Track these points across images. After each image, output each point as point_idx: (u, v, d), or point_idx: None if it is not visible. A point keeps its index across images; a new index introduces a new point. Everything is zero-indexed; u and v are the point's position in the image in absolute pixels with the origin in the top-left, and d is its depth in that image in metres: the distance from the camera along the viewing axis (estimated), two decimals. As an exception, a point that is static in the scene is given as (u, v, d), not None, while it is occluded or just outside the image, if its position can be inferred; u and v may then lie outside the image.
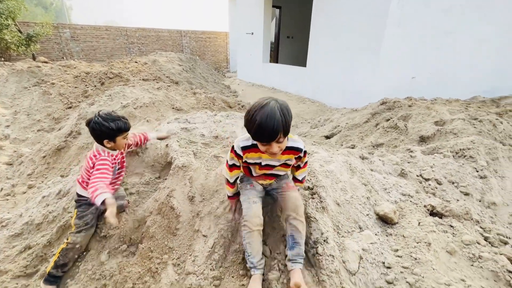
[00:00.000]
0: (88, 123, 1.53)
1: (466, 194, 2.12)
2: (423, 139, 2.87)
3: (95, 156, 1.56)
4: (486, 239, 1.68)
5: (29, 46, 9.93)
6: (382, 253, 1.40)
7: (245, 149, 1.23)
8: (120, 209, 1.68)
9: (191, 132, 2.16)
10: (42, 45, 11.46)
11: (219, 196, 1.62)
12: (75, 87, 4.36)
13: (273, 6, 9.39)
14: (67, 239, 1.56)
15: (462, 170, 2.29)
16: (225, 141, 2.05)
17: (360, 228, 1.53)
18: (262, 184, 1.42)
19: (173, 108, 3.51)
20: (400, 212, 1.70)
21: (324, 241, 1.33)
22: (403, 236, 1.49)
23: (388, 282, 1.29)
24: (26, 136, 3.61)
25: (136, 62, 5.99)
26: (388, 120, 3.31)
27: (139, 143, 1.93)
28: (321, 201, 1.55)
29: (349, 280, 1.26)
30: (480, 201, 2.11)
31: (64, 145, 3.10)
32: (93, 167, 1.53)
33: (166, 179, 1.75)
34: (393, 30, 4.54)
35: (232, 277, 1.34)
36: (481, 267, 1.38)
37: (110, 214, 1.25)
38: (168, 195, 1.63)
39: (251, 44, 9.50)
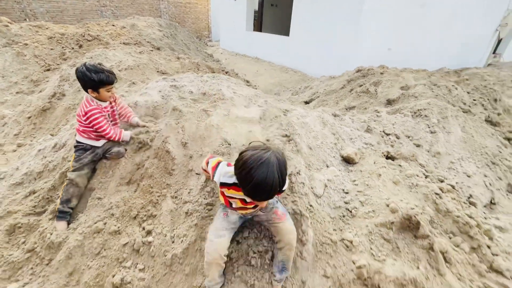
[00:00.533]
0: (76, 71, 1.68)
1: (418, 145, 2.52)
2: (389, 102, 3.23)
3: (85, 105, 1.72)
4: (426, 177, 2.10)
5: (-15, 4, 8.91)
6: (342, 183, 1.75)
7: (226, 185, 1.15)
8: (120, 156, 1.87)
9: (180, 89, 2.31)
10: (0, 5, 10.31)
11: (208, 142, 1.86)
12: (51, 49, 4.18)
13: (257, -30, 8.99)
14: (67, 178, 1.77)
15: (417, 126, 2.68)
16: (212, 97, 2.24)
17: (327, 166, 1.86)
18: (241, 213, 1.31)
19: (157, 71, 3.55)
20: (361, 156, 2.05)
21: (297, 173, 1.64)
22: (361, 171, 1.84)
23: (346, 202, 1.65)
24: (5, 99, 3.53)
25: (113, 25, 5.70)
26: (361, 86, 3.62)
27: (122, 113, 1.97)
28: (296, 145, 1.84)
29: (315, 201, 1.60)
30: (428, 151, 2.53)
31: (49, 106, 3.12)
32: (84, 115, 1.71)
33: (160, 128, 1.94)
34: (371, 2, 4.69)
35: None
36: (417, 192, 1.78)
37: (149, 125, 1.95)
38: (163, 141, 1.84)
39: (234, 11, 9.20)
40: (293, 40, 6.86)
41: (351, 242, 1.45)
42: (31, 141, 2.81)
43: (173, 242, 1.52)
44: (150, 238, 1.55)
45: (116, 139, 1.83)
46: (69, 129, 2.52)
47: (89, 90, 1.70)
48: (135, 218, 1.65)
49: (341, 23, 5.34)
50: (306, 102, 4.01)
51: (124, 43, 4.64)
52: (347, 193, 1.70)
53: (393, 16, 5.05)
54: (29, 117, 3.08)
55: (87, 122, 1.73)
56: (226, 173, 1.15)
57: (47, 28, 4.75)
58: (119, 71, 3.28)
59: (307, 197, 1.56)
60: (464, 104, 3.26)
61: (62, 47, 4.24)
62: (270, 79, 6.11)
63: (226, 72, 4.36)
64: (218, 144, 1.81)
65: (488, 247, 1.56)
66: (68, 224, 1.72)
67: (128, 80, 3.16)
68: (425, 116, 2.79)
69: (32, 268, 1.57)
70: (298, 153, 1.81)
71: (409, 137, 2.61)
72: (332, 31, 5.62)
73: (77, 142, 1.84)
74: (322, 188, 1.66)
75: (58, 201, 1.75)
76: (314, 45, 6.23)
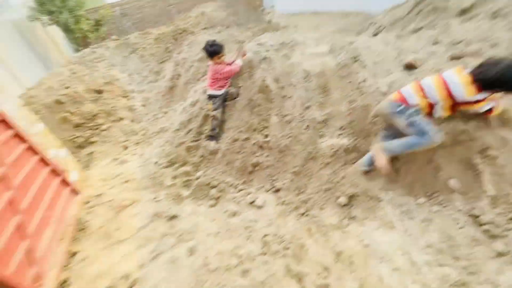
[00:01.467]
0: (205, 46, 2.73)
1: (494, 44, 2.57)
2: (463, 12, 3.15)
3: (215, 68, 2.72)
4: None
5: (98, 30, 11.73)
6: (404, 83, 2.20)
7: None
8: (235, 95, 2.82)
9: (263, 45, 3.08)
10: (106, 28, 13.22)
11: (294, 75, 2.58)
12: (158, 47, 5.64)
13: None
14: (210, 115, 2.85)
15: (494, 27, 2.67)
16: (288, 44, 2.93)
17: (391, 73, 2.33)
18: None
19: (239, 42, 4.43)
20: (422, 62, 2.38)
21: (363, 81, 2.20)
22: (420, 72, 2.23)
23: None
24: (143, 88, 5.14)
25: (190, 17, 6.90)
26: (429, 4, 3.56)
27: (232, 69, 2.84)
28: (362, 63, 2.37)
29: (381, 95, 2.14)
30: (506, 49, 2.55)
31: (172, 84, 4.45)
32: (217, 73, 2.69)
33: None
34: None
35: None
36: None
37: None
38: (263, 80, 2.68)
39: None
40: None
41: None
42: (171, 108, 4.19)
43: (281, 137, 2.38)
44: (267, 139, 2.46)
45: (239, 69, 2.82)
46: (193, 94, 3.69)
47: (216, 57, 2.70)
48: (254, 130, 2.59)
49: None
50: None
51: (204, 29, 5.72)
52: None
53: None
54: (163, 95, 4.50)
55: (226, 75, 2.73)
56: None
57: (150, 33, 6.28)
58: (211, 48, 4.30)
59: (373, 94, 2.13)
60: None
61: (165, 43, 5.64)
62: (331, 28, 6.23)
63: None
64: (301, 75, 2.52)
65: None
66: (216, 142, 2.83)
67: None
68: (505, 15, 2.71)
69: (205, 165, 2.75)
70: (364, 68, 2.34)
71: (484, 40, 2.65)
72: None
73: (209, 95, 2.89)
74: (386, 87, 2.17)
75: (208, 131, 2.86)
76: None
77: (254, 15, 9.65)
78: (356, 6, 6.75)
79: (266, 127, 2.54)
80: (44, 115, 4.51)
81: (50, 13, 9.83)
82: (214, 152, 2.72)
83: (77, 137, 4.30)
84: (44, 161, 2.50)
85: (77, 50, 10.56)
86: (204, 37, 4.76)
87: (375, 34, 4.11)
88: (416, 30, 3.43)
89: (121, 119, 4.55)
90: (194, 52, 4.47)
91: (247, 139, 2.56)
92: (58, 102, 4.59)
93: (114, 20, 14.20)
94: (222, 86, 2.79)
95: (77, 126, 4.43)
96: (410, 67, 2.34)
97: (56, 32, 11.62)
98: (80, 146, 4.21)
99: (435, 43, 2.76)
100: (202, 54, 4.33)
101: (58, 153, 2.91)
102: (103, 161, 3.78)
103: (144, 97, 4.93)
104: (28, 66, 8.51)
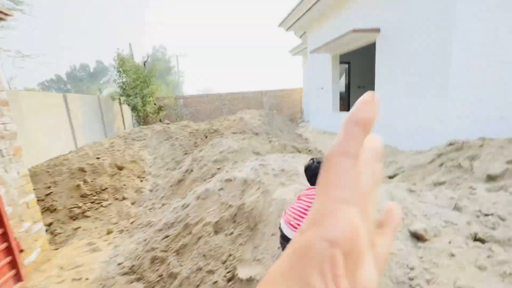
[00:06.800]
0: (308, 167, 1.66)
1: (534, 231, 2.08)
2: (490, 178, 2.83)
3: (313, 195, 1.55)
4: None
5: (159, 113, 14.05)
6: (407, 258, 1.75)
7: None
8: None
9: (265, 167, 3.06)
10: (165, 112, 15.86)
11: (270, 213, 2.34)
12: (189, 140, 6.23)
13: (342, 63, 10.44)
14: None
15: (532, 207, 2.24)
16: (288, 173, 2.84)
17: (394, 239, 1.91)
18: None
19: (253, 152, 4.61)
20: (436, 234, 1.96)
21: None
22: (430, 248, 1.78)
23: (410, 278, 1.64)
24: (160, 173, 5.38)
25: (228, 120, 7.86)
26: (453, 160, 3.36)
27: None
28: (358, 216, 2.05)
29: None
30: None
31: (183, 178, 4.54)
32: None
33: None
34: (459, 73, 4.61)
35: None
36: (511, 282, 1.52)
37: None
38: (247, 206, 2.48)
39: (322, 96, 10.54)
40: (378, 116, 7.03)
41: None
42: (170, 202, 4.11)
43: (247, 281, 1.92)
44: (230, 280, 2.02)
45: None
46: (190, 195, 3.62)
47: None
48: (223, 262, 2.20)
49: (427, 96, 5.29)
50: (390, 177, 3.95)
51: (233, 133, 6.31)
52: (412, 269, 1.68)
53: (487, 86, 4.61)
54: (171, 186, 4.55)
55: None
56: None
57: (189, 127, 7.15)
58: (228, 153, 4.51)
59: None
60: None
61: (195, 138, 6.24)
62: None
63: (309, 151, 5.00)
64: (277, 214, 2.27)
65: None
66: None
67: (232, 160, 4.28)
68: (544, 194, 2.31)
69: (162, 285, 2.30)
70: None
71: (520, 220, 2.20)
72: (418, 104, 5.57)
73: (286, 238, 1.59)
74: (381, 259, 1.73)
75: None
76: (399, 118, 6.20)
77: (289, 127, 10.62)
78: (384, 138, 6.90)
79: (233, 265, 2.14)
80: (63, 178, 4.84)
81: (127, 96, 12.41)
82: (173, 276, 2.31)
83: (77, 207, 4.34)
84: (5, 236, 2.39)
85: (138, 126, 12.44)
86: (228, 141, 5.13)
87: (393, 176, 3.89)
88: (436, 184, 3.12)
89: (124, 198, 4.58)
90: (212, 153, 4.73)
91: (210, 272, 2.15)
92: (81, 170, 4.95)
93: (175, 107, 17.11)
94: None
95: (84, 196, 4.55)
96: (417, 237, 1.93)
97: (127, 110, 14.23)
98: (73, 218, 4.17)
99: (457, 208, 2.37)
100: (218, 156, 4.53)
101: (31, 228, 2.83)
102: (80, 242, 3.56)
103: (155, 182, 5.07)
104: (90, 132, 10.07)
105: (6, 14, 2.55)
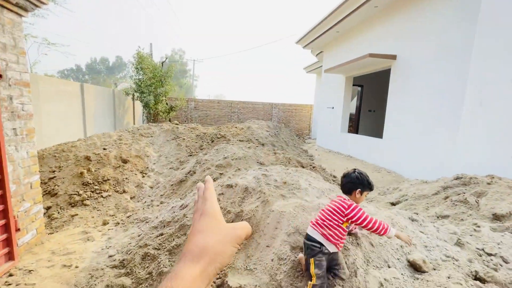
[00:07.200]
0: (347, 174, 1.66)
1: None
2: (496, 217, 2.76)
3: (344, 201, 1.57)
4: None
5: (169, 113, 14.26)
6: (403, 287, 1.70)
7: None
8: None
9: (268, 177, 3.05)
10: (176, 113, 16.11)
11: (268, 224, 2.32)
12: (196, 142, 6.28)
13: (355, 85, 10.52)
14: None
15: (538, 253, 2.17)
16: (290, 186, 2.82)
17: (388, 266, 1.87)
18: None
19: (257, 162, 4.61)
20: (435, 267, 1.90)
21: (352, 263, 1.79)
22: (427, 280, 1.73)
23: (404, 310, 1.58)
24: (163, 171, 5.40)
25: (236, 127, 7.92)
26: (459, 194, 3.29)
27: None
28: (356, 239, 2.01)
29: (368, 297, 1.64)
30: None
31: (184, 179, 4.55)
32: (348, 208, 1.53)
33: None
34: (473, 108, 4.59)
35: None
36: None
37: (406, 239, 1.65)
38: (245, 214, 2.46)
39: (331, 116, 10.56)
40: (386, 142, 7.00)
41: None
42: (169, 200, 4.11)
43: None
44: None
45: (382, 232, 1.57)
46: (192, 196, 3.62)
47: (357, 191, 1.60)
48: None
49: (438, 128, 5.26)
50: (393, 204, 3.88)
51: (239, 140, 6.34)
52: (407, 300, 1.62)
53: (501, 123, 4.57)
54: (172, 185, 4.56)
55: (351, 215, 1.52)
56: None
57: (197, 129, 7.23)
58: (232, 160, 4.52)
59: (358, 289, 1.65)
60: None
61: (202, 141, 6.29)
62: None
63: (313, 167, 4.97)
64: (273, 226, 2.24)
65: None
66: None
67: (236, 167, 4.29)
68: (552, 241, 2.23)
69: (146, 286, 2.27)
70: (358, 247, 1.96)
71: (524, 264, 2.12)
72: (428, 135, 5.53)
73: (313, 240, 1.57)
74: (376, 286, 1.69)
75: None
76: (408, 148, 6.15)
77: (295, 141, 10.62)
78: (388, 165, 6.85)
79: (224, 271, 2.10)
80: (68, 164, 4.91)
81: (141, 93, 12.69)
82: (162, 275, 2.28)
83: (77, 194, 4.37)
84: (4, 213, 2.43)
85: (147, 123, 12.65)
86: (233, 148, 5.15)
87: (397, 203, 3.82)
88: (439, 217, 3.05)
89: (124, 192, 4.60)
90: (217, 157, 4.75)
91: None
92: (87, 158, 5.03)
93: (186, 109, 17.35)
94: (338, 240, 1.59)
95: (85, 184, 4.60)
96: (415, 267, 1.87)
97: (139, 106, 14.51)
98: (72, 204, 4.20)
99: (459, 244, 2.31)
100: (222, 161, 4.54)
101: (30, 208, 2.86)
102: (74, 229, 3.56)
103: (157, 180, 5.09)
104: (101, 123, 10.28)
105: (42, 2, 2.69)
